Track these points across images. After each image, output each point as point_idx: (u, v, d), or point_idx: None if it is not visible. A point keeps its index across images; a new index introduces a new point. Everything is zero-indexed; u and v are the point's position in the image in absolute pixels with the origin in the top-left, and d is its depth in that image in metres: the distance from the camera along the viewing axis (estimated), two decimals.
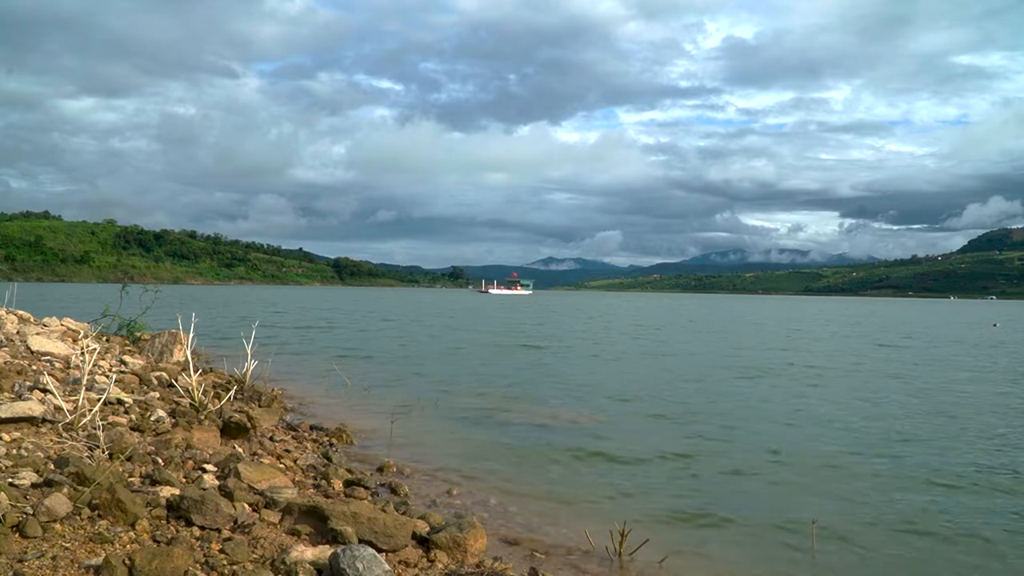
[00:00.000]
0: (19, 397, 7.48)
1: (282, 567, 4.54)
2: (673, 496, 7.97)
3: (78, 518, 4.73)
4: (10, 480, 5.13)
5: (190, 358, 10.26)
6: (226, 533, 5.05)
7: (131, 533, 4.72)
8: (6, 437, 6.31)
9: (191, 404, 9.27)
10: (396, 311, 62.67)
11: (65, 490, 4.99)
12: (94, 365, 10.12)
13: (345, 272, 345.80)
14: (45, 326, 15.30)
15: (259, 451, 8.20)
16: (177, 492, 5.45)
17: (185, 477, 6.35)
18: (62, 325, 15.95)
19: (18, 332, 12.88)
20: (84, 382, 7.73)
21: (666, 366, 21.49)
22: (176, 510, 5.15)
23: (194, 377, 9.61)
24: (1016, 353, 29.46)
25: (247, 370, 12.27)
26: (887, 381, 18.76)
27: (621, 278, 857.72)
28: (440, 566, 5.24)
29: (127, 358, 12.59)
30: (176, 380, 10.58)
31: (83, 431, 6.94)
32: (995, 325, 57.07)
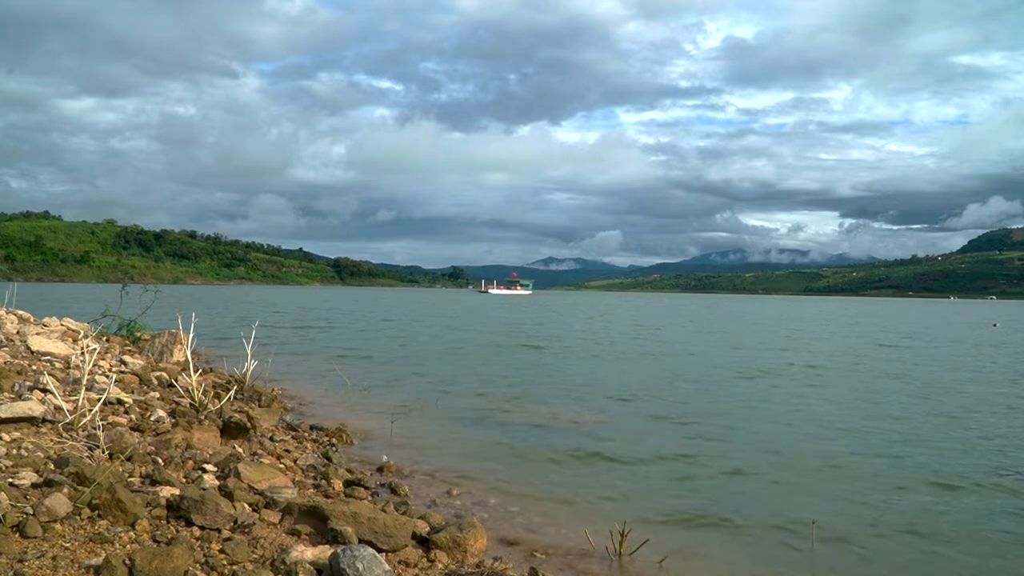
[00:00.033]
0: (19, 397, 7.48)
1: (282, 567, 4.54)
2: (673, 496, 7.97)
3: (78, 518, 4.74)
4: (10, 480, 5.13)
5: (190, 358, 10.26)
6: (226, 533, 5.05)
7: (131, 533, 4.72)
8: (6, 437, 6.31)
9: (191, 404, 9.27)
10: (396, 311, 62.68)
11: (65, 490, 4.99)
12: (94, 365, 10.12)
13: (345, 272, 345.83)
14: (45, 326, 15.30)
15: (259, 451, 8.20)
16: (177, 492, 5.45)
17: (185, 477, 6.35)
18: (62, 325, 15.95)
19: (18, 332, 12.89)
20: (84, 382, 7.73)
21: (666, 366, 21.49)
22: (176, 510, 5.15)
23: (194, 377, 9.61)
24: (1016, 353, 29.46)
25: (247, 370, 12.28)
26: (887, 381, 18.77)
27: (621, 278, 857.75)
28: (440, 566, 5.24)
29: (127, 358, 12.59)
30: (176, 380, 10.58)
31: (83, 431, 6.94)
32: (995, 325, 57.08)
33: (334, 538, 5.18)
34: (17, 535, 4.34)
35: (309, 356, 21.74)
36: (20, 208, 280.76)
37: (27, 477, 5.24)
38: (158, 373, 11.61)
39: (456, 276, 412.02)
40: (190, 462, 6.79)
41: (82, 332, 15.01)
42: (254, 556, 4.76)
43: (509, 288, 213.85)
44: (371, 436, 10.32)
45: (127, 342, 16.41)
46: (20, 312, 16.60)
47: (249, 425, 8.64)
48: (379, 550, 5.07)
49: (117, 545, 4.52)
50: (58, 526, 4.56)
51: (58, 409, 7.34)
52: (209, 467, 6.67)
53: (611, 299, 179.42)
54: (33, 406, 6.88)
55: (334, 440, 9.71)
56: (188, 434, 7.56)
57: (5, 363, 9.58)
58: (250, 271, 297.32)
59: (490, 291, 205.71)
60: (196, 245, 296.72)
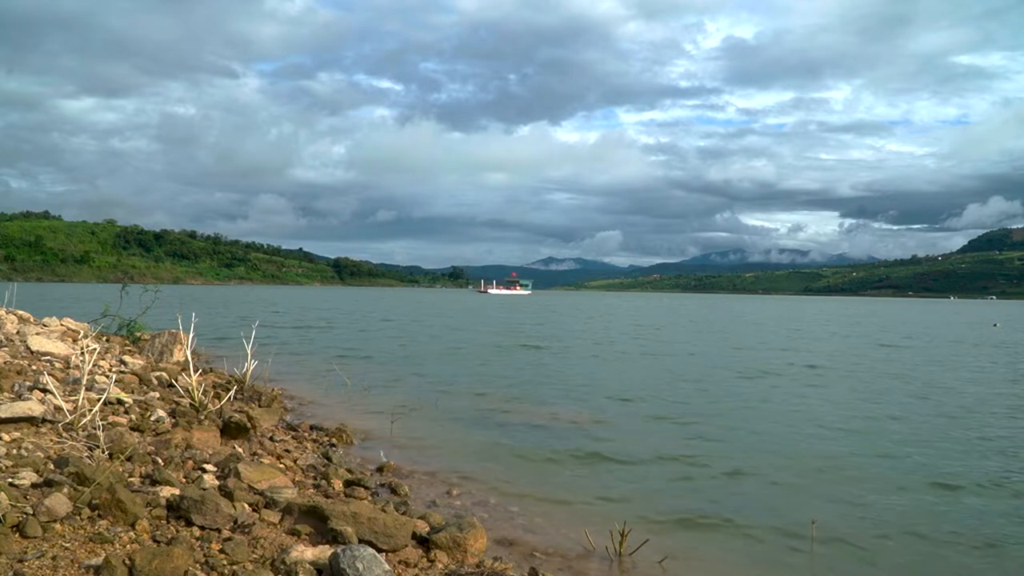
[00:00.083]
0: (19, 397, 7.48)
1: (282, 567, 4.54)
2: (673, 496, 7.97)
3: (78, 518, 4.74)
4: (10, 480, 5.13)
5: (190, 358, 10.26)
6: (226, 533, 5.05)
7: (131, 533, 4.72)
8: (6, 437, 6.31)
9: (191, 404, 9.28)
10: (396, 311, 62.68)
11: (65, 490, 4.99)
12: (94, 365, 10.12)
13: (345, 272, 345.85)
14: (45, 326, 15.30)
15: (259, 451, 8.20)
16: (177, 492, 5.45)
17: (185, 477, 6.35)
18: (62, 325, 15.95)
19: (18, 332, 12.89)
20: (84, 382, 7.73)
21: (666, 366, 21.49)
22: (176, 510, 5.15)
23: (194, 377, 9.61)
24: (1016, 353, 29.46)
25: (247, 370, 12.28)
26: (887, 381, 18.76)
27: (621, 278, 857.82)
28: (440, 566, 5.24)
29: (127, 358, 12.59)
30: (176, 380, 10.58)
31: (83, 431, 6.94)
32: (995, 325, 57.09)
33: (334, 538, 5.18)
34: (17, 535, 4.34)
35: (309, 356, 21.74)
36: (20, 208, 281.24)
37: (27, 477, 5.24)
38: (158, 373, 11.61)
39: (456, 276, 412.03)
40: (190, 462, 6.79)
41: (82, 332, 15.01)
42: (254, 556, 4.77)
43: (508, 288, 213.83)
44: (371, 436, 10.32)
45: (127, 342, 16.41)
46: (20, 312, 16.60)
47: (249, 425, 8.64)
48: (379, 550, 5.07)
49: (117, 545, 4.52)
50: (58, 526, 4.56)
51: (58, 409, 7.34)
52: (209, 467, 6.67)
53: (611, 299, 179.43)
54: (33, 406, 6.88)
55: (334, 440, 9.71)
56: (188, 434, 7.56)
57: (5, 363, 9.58)
58: (250, 271, 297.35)
59: (489, 291, 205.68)
60: (196, 245, 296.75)
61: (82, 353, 9.37)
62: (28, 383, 8.39)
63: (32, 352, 11.15)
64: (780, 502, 7.85)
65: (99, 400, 7.51)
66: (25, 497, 4.87)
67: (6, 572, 3.95)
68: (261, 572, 4.46)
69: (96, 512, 4.87)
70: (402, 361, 21.37)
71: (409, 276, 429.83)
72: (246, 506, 5.64)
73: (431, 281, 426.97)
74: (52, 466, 5.68)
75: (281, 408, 11.56)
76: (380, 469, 8.40)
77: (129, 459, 6.37)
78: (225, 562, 4.52)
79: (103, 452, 6.49)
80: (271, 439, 8.96)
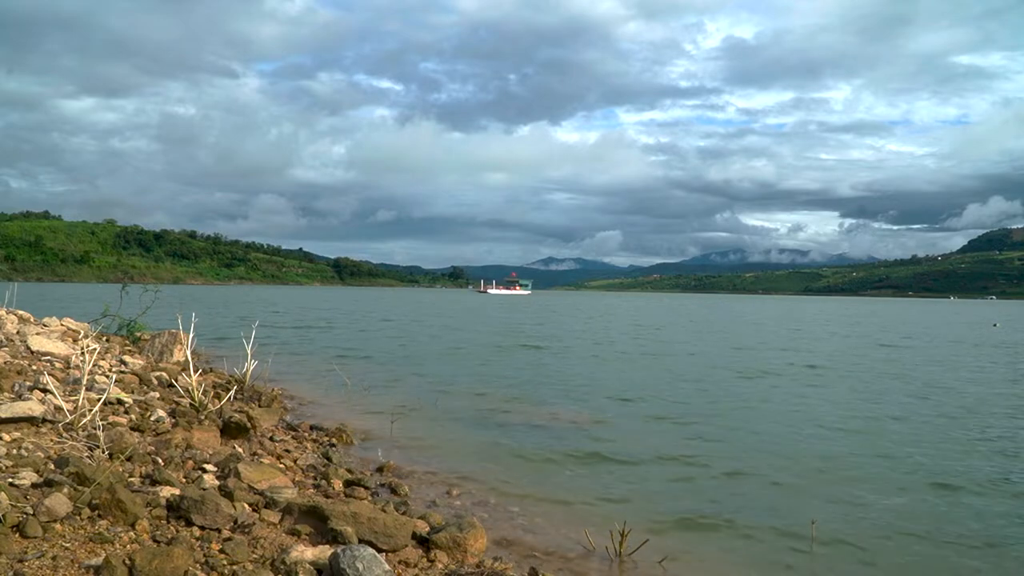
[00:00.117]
0: (19, 397, 7.48)
1: (282, 567, 4.54)
2: (673, 497, 7.97)
3: (78, 518, 4.74)
4: (10, 480, 5.13)
5: (190, 358, 10.26)
6: (226, 533, 5.06)
7: (131, 533, 4.72)
8: (6, 437, 6.31)
9: (191, 404, 9.28)
10: (396, 311, 62.68)
11: (65, 490, 4.99)
12: (94, 365, 10.12)
13: (345, 272, 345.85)
14: (45, 326, 15.30)
15: (259, 451, 8.20)
16: (177, 492, 5.45)
17: (185, 477, 6.35)
18: (62, 325, 15.95)
19: (18, 332, 12.89)
20: (84, 382, 7.74)
21: (666, 366, 21.49)
22: (176, 510, 5.15)
23: (194, 377, 9.62)
24: (1017, 353, 29.46)
25: (247, 370, 12.28)
26: (887, 381, 18.76)
27: (621, 278, 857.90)
28: (440, 566, 5.24)
29: (127, 358, 12.59)
30: (176, 380, 10.58)
31: (83, 431, 6.95)
32: (995, 325, 57.09)
33: (334, 538, 5.18)
34: (17, 535, 4.35)
35: (309, 356, 21.74)
36: (20, 208, 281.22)
37: (27, 477, 5.24)
38: (158, 373, 11.61)
39: (456, 276, 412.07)
40: (190, 462, 6.79)
41: (82, 332, 15.02)
42: (254, 556, 4.77)
43: (508, 288, 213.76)
44: (371, 436, 10.32)
45: (127, 342, 16.41)
46: (20, 312, 16.60)
47: (249, 425, 8.64)
48: (379, 550, 5.07)
49: (117, 545, 4.52)
50: (58, 526, 4.56)
51: (58, 409, 7.34)
52: (209, 467, 6.67)
53: (611, 299, 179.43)
54: (33, 406, 6.88)
55: (334, 440, 9.71)
56: (188, 434, 7.56)
57: (5, 363, 9.59)
58: (250, 271, 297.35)
59: (489, 291, 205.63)
60: (196, 245, 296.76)
61: (82, 353, 9.37)
62: (28, 383, 8.39)
63: (32, 352, 11.15)
64: (780, 502, 7.85)
65: (99, 400, 7.51)
66: (25, 497, 4.87)
67: (6, 572, 3.95)
68: (261, 572, 4.46)
69: (96, 512, 4.87)
70: (402, 361, 21.37)
71: (409, 276, 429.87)
72: (246, 506, 5.64)
73: (431, 281, 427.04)
74: (52, 466, 5.68)
75: (281, 408, 11.56)
76: (380, 469, 8.40)
77: (129, 459, 6.37)
78: (225, 562, 4.52)
79: (103, 452, 6.49)
80: (271, 439, 8.96)
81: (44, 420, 6.97)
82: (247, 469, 6.50)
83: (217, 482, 6.19)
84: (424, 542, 5.50)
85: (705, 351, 27.52)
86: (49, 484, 5.13)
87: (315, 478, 7.48)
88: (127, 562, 4.09)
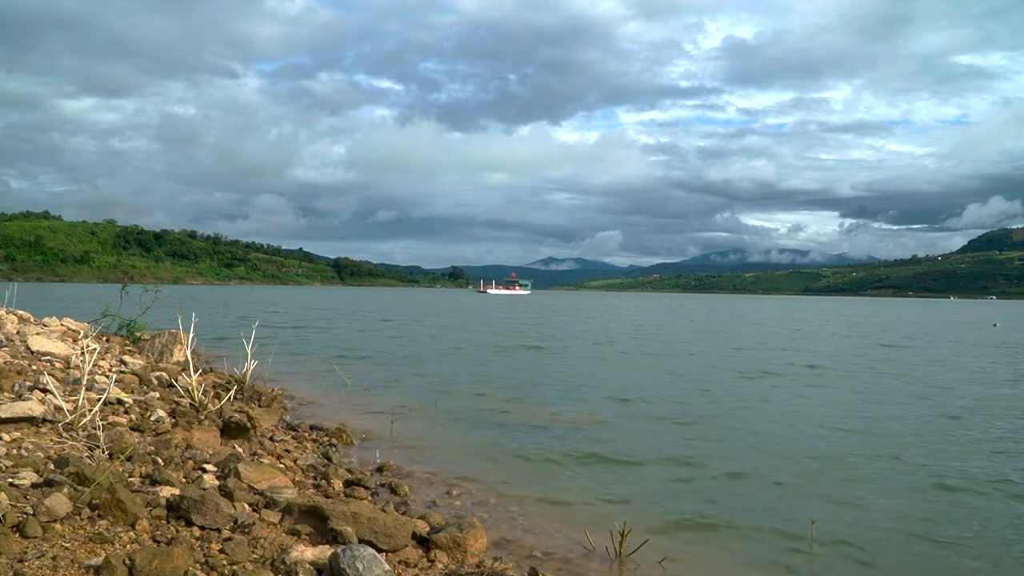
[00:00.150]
0: (19, 397, 7.48)
1: (282, 567, 4.54)
2: (673, 497, 7.97)
3: (78, 518, 4.74)
4: (10, 480, 5.13)
5: (190, 358, 10.26)
6: (226, 533, 5.06)
7: (131, 533, 4.72)
8: (6, 437, 6.31)
9: (191, 404, 9.28)
10: (396, 311, 62.68)
11: (65, 490, 4.99)
12: (94, 365, 10.12)
13: (345, 272, 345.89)
14: (45, 326, 15.30)
15: (259, 451, 8.20)
16: (177, 492, 5.45)
17: (185, 477, 6.35)
18: (62, 325, 15.95)
19: (18, 332, 12.89)
20: (84, 382, 7.74)
21: (666, 366, 21.49)
22: (176, 510, 5.15)
23: (194, 377, 9.62)
24: (1017, 353, 29.46)
25: (247, 370, 12.28)
26: (887, 381, 18.76)
27: (621, 278, 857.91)
28: (440, 566, 5.24)
29: (127, 358, 12.59)
30: (176, 380, 10.58)
31: (83, 431, 6.95)
32: (995, 325, 57.09)
33: (334, 538, 5.18)
34: (17, 535, 4.34)
35: (309, 356, 21.74)
36: (20, 208, 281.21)
37: (27, 477, 5.24)
38: (158, 373, 11.61)
39: (456, 276, 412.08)
40: (190, 462, 6.79)
41: (82, 332, 15.02)
42: (254, 556, 4.77)
43: (508, 288, 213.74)
44: (371, 436, 10.32)
45: (127, 342, 16.41)
46: (20, 312, 16.60)
47: (249, 425, 8.64)
48: (379, 550, 5.07)
49: (117, 545, 4.52)
50: (58, 526, 4.56)
51: (58, 409, 7.34)
52: (209, 467, 6.67)
53: (611, 299, 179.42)
54: (33, 406, 6.88)
55: (334, 440, 9.72)
56: (188, 434, 7.56)
57: (5, 363, 9.59)
58: (250, 271, 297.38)
59: (489, 291, 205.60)
60: (196, 245, 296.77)
61: (82, 353, 9.37)
62: (28, 383, 8.39)
63: (32, 352, 11.15)
64: (780, 502, 7.85)
65: (99, 400, 7.51)
66: (25, 497, 4.87)
67: (6, 572, 3.95)
68: (261, 572, 4.46)
69: (96, 512, 4.87)
70: (402, 361, 21.37)
71: (409, 276, 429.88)
72: (246, 506, 5.64)
73: (431, 281, 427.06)
74: (52, 466, 5.68)
75: (281, 408, 11.57)
76: (380, 469, 8.40)
77: (129, 459, 6.37)
78: (225, 562, 4.52)
79: (103, 452, 6.49)
80: (271, 439, 8.96)
81: (44, 420, 6.97)
82: (247, 469, 6.50)
83: (217, 482, 6.19)
84: (424, 542, 5.50)
85: (705, 351, 27.53)
86: (49, 484, 5.13)
87: (315, 478, 7.48)
88: (127, 562, 4.09)
